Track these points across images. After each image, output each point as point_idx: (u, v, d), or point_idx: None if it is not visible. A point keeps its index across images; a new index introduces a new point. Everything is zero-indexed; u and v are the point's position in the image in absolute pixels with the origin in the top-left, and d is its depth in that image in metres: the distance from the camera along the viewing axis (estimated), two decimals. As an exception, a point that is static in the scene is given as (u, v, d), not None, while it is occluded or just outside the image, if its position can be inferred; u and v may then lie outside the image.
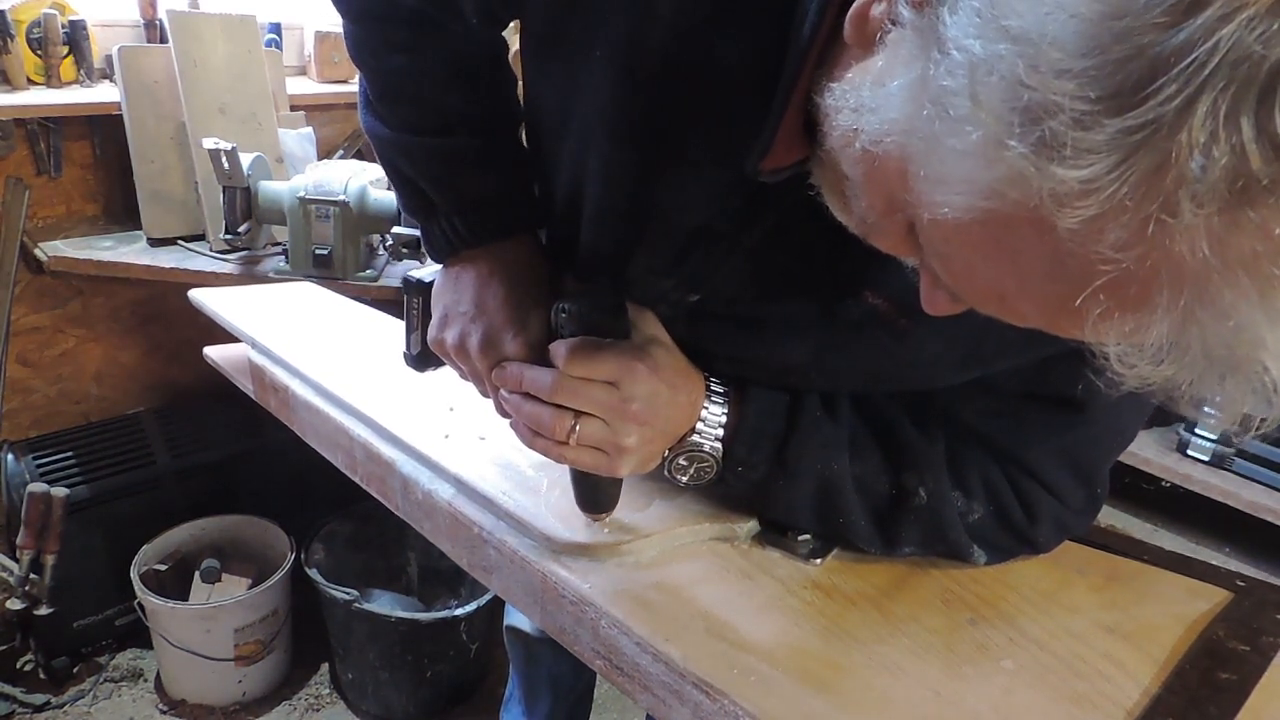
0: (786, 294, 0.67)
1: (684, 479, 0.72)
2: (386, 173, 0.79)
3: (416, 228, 1.70)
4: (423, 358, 0.81)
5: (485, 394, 0.76)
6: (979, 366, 0.66)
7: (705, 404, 0.70)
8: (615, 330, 0.68)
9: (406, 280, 0.81)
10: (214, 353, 1.14)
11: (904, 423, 0.72)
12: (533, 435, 0.69)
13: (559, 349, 0.67)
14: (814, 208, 0.55)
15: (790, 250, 0.65)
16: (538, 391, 0.67)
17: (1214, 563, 0.75)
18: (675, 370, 0.69)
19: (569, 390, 0.66)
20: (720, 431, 0.70)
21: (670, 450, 0.71)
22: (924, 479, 0.70)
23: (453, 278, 0.76)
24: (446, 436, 0.83)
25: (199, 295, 1.15)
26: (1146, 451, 2.67)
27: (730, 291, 0.69)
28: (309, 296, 1.23)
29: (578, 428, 0.66)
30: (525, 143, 0.77)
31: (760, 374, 0.72)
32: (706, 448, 0.70)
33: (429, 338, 0.77)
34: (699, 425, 0.70)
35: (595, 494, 0.71)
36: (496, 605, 1.77)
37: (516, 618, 1.44)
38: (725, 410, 0.70)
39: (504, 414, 0.73)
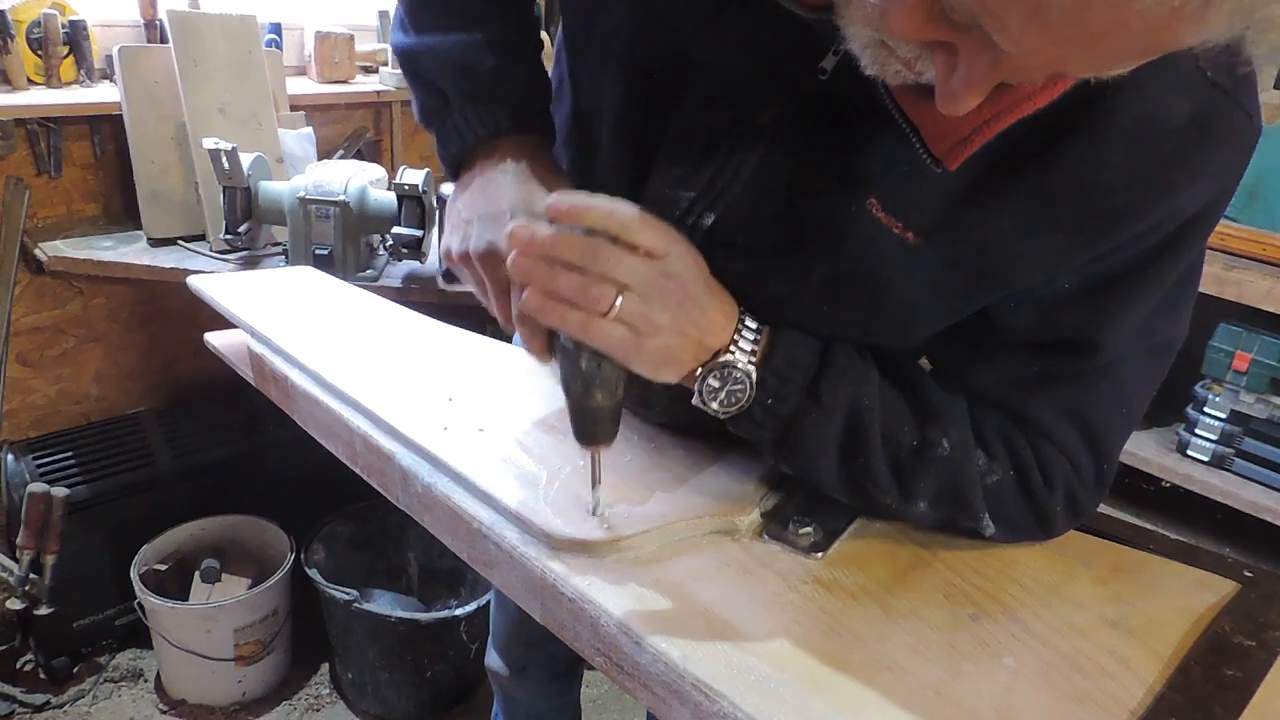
0: (796, 203, 0.67)
1: (715, 404, 0.68)
2: (410, 85, 0.82)
3: (416, 228, 1.71)
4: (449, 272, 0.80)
5: (492, 306, 0.73)
6: (982, 291, 0.67)
7: (740, 327, 0.67)
8: None
9: (439, 196, 0.82)
10: (215, 339, 1.12)
11: (926, 380, 0.72)
12: (564, 309, 0.62)
13: (596, 206, 0.61)
14: (824, 99, 0.58)
15: (799, 148, 0.65)
16: (572, 256, 0.61)
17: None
18: (711, 278, 0.67)
19: (612, 258, 0.61)
20: (754, 356, 0.67)
21: (703, 367, 0.67)
22: (948, 431, 0.69)
23: (463, 186, 0.76)
24: (445, 428, 0.83)
25: (197, 282, 1.14)
26: (1146, 451, 2.66)
27: (743, 206, 0.68)
28: (310, 282, 1.22)
29: (620, 300, 0.61)
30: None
31: (772, 318, 0.70)
32: (740, 367, 0.67)
33: (440, 250, 0.75)
34: (733, 346, 0.67)
35: (595, 422, 0.67)
36: (497, 605, 1.77)
37: (493, 658, 1.37)
38: (759, 337, 0.68)
39: (509, 320, 0.69)
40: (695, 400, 0.68)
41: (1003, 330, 0.69)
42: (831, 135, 0.62)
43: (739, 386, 0.68)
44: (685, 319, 0.64)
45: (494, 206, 0.73)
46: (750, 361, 0.67)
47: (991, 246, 0.64)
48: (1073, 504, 0.73)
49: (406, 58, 0.81)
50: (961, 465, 0.70)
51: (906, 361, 0.74)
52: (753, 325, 0.69)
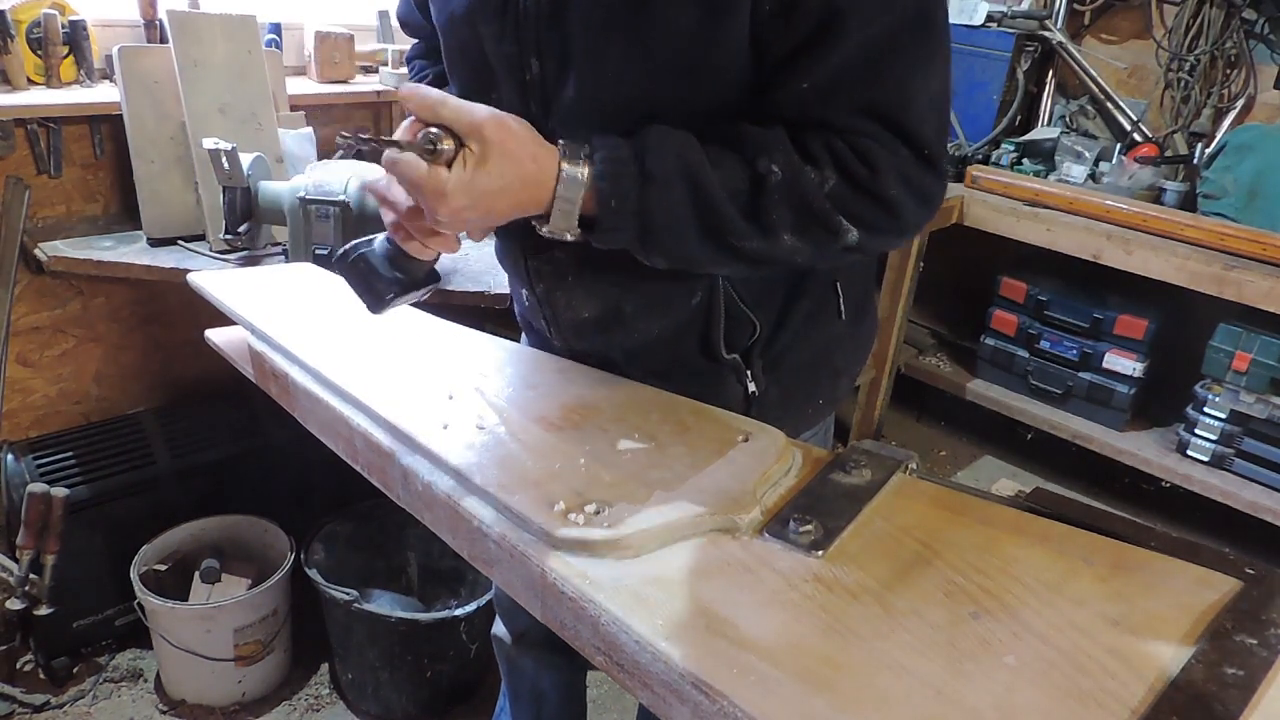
0: (561, 5, 0.80)
1: (570, 235, 0.80)
2: None
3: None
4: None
5: (404, 229, 0.86)
6: None
7: (561, 161, 0.78)
8: None
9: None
10: (216, 336, 1.12)
11: (737, 124, 0.80)
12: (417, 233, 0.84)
13: (410, 94, 0.78)
14: None
15: None
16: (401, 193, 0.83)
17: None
18: (520, 129, 0.78)
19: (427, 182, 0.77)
20: (583, 173, 0.78)
21: (550, 205, 0.78)
22: (774, 158, 0.78)
23: None
24: (446, 426, 0.83)
25: (197, 279, 1.14)
26: (1146, 451, 2.67)
27: (550, 41, 0.82)
28: (310, 278, 1.22)
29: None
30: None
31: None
32: (572, 190, 0.78)
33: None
34: (561, 174, 0.78)
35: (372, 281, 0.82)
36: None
37: (499, 627, 1.43)
38: (579, 157, 0.78)
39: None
40: (544, 231, 0.80)
41: (767, 50, 0.78)
42: None
43: (576, 205, 0.79)
44: (496, 179, 0.76)
45: None
46: (580, 178, 0.77)
47: None
48: (910, 186, 0.81)
49: None
50: (797, 183, 0.78)
51: (721, 124, 0.81)
52: (571, 151, 0.78)
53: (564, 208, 0.78)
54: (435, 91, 0.77)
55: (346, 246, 0.92)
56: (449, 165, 0.76)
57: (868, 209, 0.80)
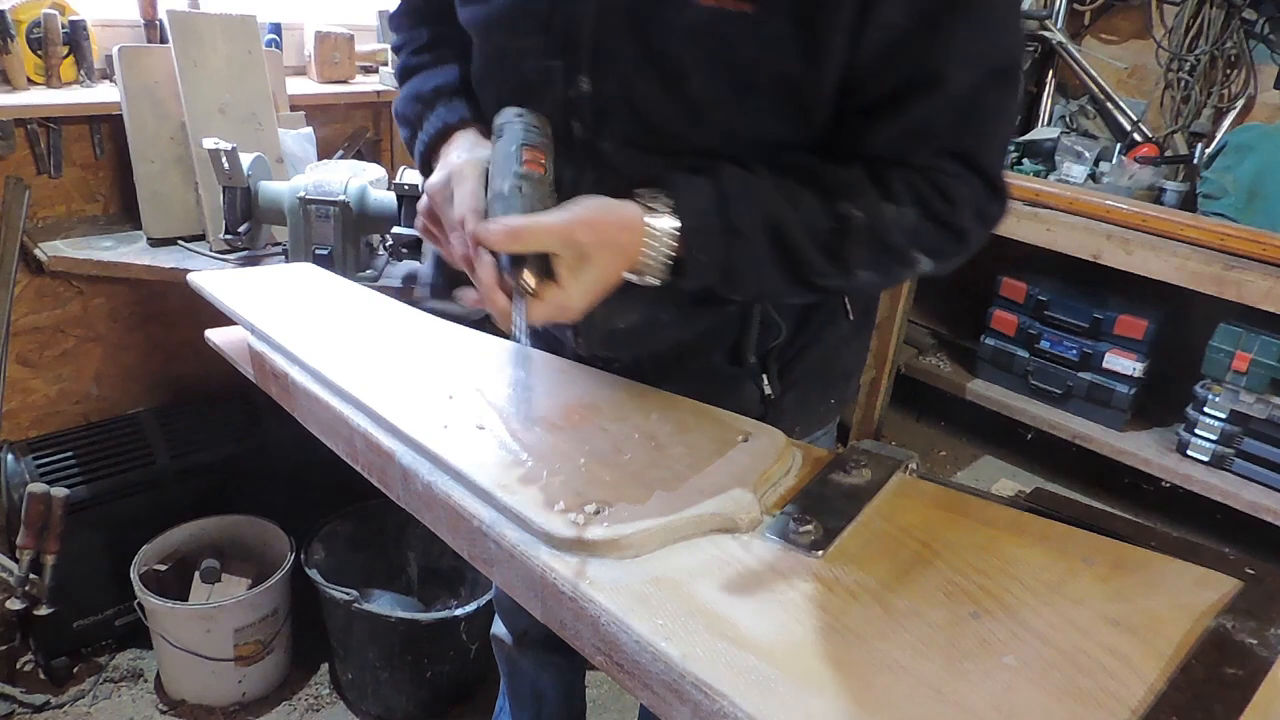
0: (637, 30, 0.78)
1: (654, 279, 0.80)
2: (401, 132, 1.01)
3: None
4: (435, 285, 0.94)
5: (448, 239, 0.85)
6: (823, 38, 0.75)
7: (645, 223, 0.78)
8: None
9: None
10: (216, 336, 1.12)
11: (817, 163, 0.81)
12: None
13: (500, 233, 0.75)
14: None
15: None
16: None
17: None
18: (605, 204, 0.78)
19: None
20: (673, 237, 0.78)
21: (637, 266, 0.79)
22: (856, 201, 0.79)
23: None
24: (446, 426, 0.83)
25: (197, 279, 1.13)
26: (1146, 452, 2.67)
27: (604, 60, 0.80)
28: (310, 278, 1.22)
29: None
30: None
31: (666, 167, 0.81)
32: (659, 251, 0.78)
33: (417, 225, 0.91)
34: (646, 237, 0.78)
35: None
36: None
37: (497, 626, 1.44)
38: (663, 210, 0.78)
39: (455, 257, 0.84)
40: (631, 278, 0.80)
41: (860, 92, 0.79)
42: None
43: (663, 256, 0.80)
44: (603, 267, 0.76)
45: (443, 162, 0.89)
46: (665, 231, 0.78)
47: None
48: (981, 216, 0.84)
49: (394, 112, 1.02)
50: (877, 223, 0.80)
51: (802, 156, 0.82)
52: (651, 201, 0.78)
53: (652, 260, 0.79)
54: (507, 225, 0.75)
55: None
56: (550, 275, 0.76)
57: (942, 241, 0.83)
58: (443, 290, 0.90)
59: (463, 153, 0.87)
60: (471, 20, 0.91)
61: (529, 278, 0.74)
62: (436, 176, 0.86)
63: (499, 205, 0.78)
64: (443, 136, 0.93)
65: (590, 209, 0.77)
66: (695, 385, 0.93)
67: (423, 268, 0.91)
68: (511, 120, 0.82)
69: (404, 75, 1.02)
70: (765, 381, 0.98)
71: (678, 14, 0.76)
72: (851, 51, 0.76)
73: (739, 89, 0.79)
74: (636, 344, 0.97)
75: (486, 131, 0.88)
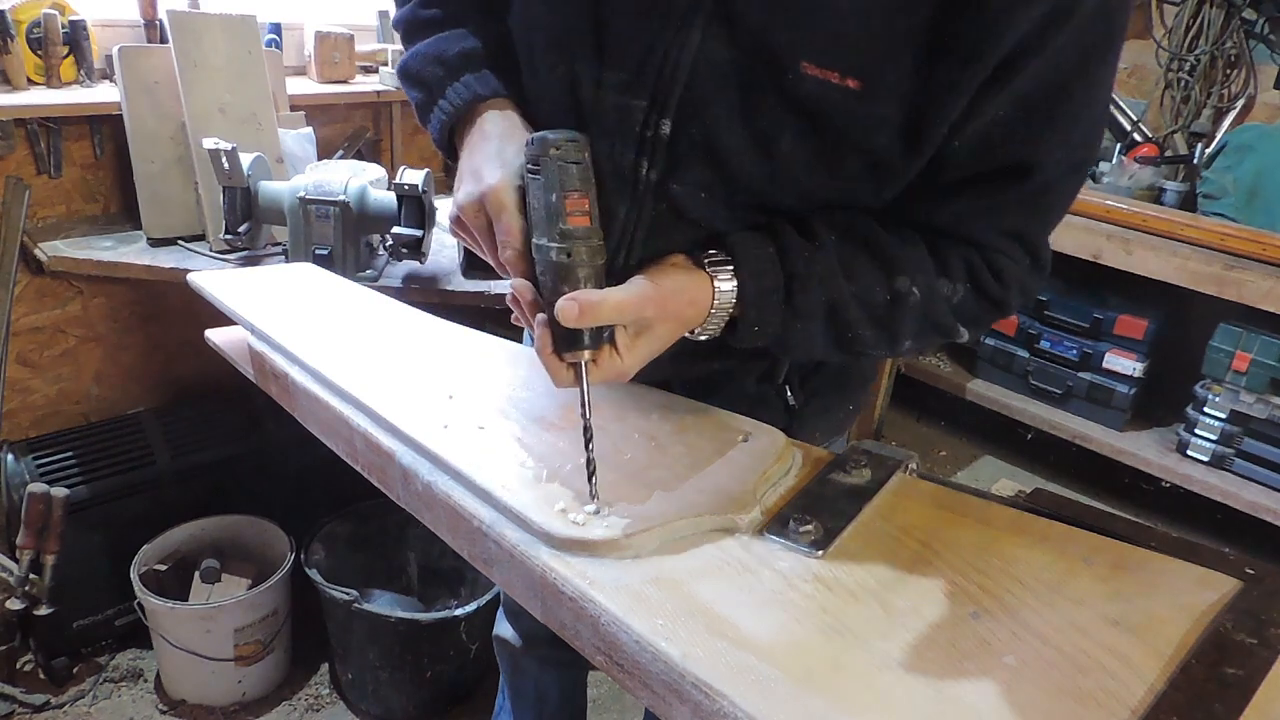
0: (739, 91, 0.75)
1: (704, 337, 0.81)
2: (406, 92, 0.92)
3: (416, 228, 1.71)
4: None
5: (488, 256, 0.82)
6: (927, 127, 0.73)
7: (712, 292, 0.77)
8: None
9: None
10: (216, 336, 1.12)
11: (880, 232, 0.80)
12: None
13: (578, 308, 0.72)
14: None
15: (722, 35, 0.74)
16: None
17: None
18: (673, 275, 0.77)
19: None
20: (730, 301, 0.78)
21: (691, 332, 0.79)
22: (915, 279, 0.80)
23: (457, 172, 0.84)
24: (446, 426, 0.83)
25: (197, 278, 1.13)
26: (1146, 452, 2.67)
27: (691, 106, 0.76)
28: (310, 278, 1.22)
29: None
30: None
31: (735, 218, 0.80)
32: (718, 318, 0.79)
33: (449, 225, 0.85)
34: (712, 308, 0.78)
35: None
36: (496, 605, 1.77)
37: (503, 628, 1.43)
38: (728, 283, 0.78)
39: (500, 264, 0.80)
40: (688, 335, 0.80)
41: (944, 171, 0.78)
42: (749, 6, 0.72)
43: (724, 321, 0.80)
44: (663, 337, 0.77)
45: (473, 164, 0.81)
46: (729, 297, 0.78)
47: (918, 73, 0.72)
48: (1025, 291, 0.86)
49: (401, 68, 0.92)
50: (932, 301, 0.81)
51: (864, 220, 0.81)
52: (718, 267, 0.78)
53: (711, 327, 0.80)
54: (587, 299, 0.72)
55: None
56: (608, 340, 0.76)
57: (985, 313, 0.86)
58: (473, 272, 0.89)
59: (493, 161, 0.80)
60: (537, 37, 0.84)
61: (588, 354, 0.75)
62: (467, 192, 0.80)
63: (549, 277, 0.74)
64: (471, 109, 0.86)
65: (664, 289, 0.76)
66: (722, 402, 0.92)
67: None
68: (550, 155, 0.74)
69: (412, 28, 0.92)
70: (789, 392, 0.98)
71: (782, 77, 0.73)
72: (950, 137, 0.75)
73: (828, 158, 0.77)
74: (670, 367, 0.92)
75: (515, 106, 0.85)
